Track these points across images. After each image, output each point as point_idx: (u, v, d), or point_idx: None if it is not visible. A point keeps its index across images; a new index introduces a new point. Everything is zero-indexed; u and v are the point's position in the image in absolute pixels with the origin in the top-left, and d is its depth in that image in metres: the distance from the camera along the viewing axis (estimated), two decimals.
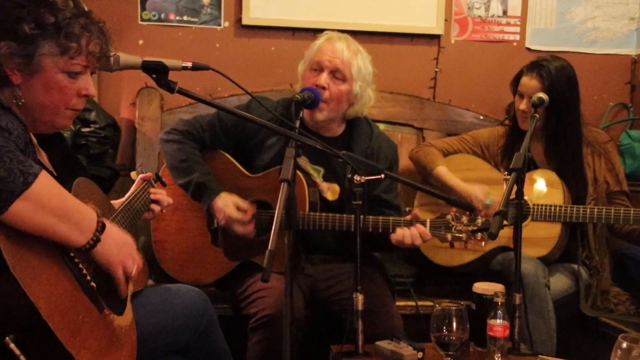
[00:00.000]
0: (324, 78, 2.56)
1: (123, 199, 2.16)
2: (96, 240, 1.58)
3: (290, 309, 1.73)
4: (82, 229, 1.55)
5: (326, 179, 2.67)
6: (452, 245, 2.48)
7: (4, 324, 1.33)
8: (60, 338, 1.38)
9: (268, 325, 2.29)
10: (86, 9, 1.74)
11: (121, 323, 1.71)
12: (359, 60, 2.62)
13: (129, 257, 1.73)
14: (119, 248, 1.68)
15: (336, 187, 2.67)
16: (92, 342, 1.51)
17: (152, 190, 2.28)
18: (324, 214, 2.52)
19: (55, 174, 1.75)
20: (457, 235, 2.37)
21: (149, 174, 2.32)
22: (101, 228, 1.60)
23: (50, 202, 1.46)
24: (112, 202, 2.09)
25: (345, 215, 2.50)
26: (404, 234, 2.41)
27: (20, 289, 1.33)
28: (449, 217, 2.38)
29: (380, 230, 2.46)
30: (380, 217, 2.47)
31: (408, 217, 2.46)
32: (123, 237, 1.73)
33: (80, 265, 1.59)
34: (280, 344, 1.69)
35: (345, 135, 2.73)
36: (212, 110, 2.80)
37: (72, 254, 1.57)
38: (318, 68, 2.58)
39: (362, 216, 2.14)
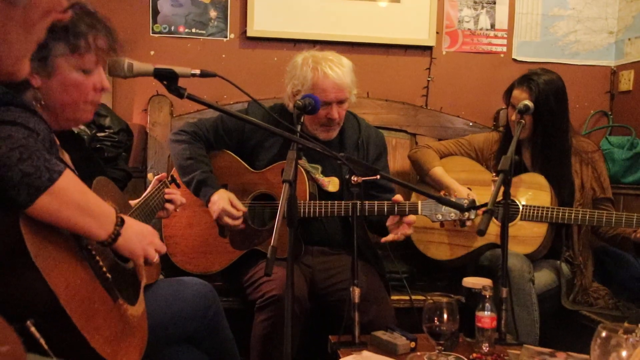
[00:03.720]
0: (336, 112, 2.61)
1: (140, 199, 2.17)
2: (117, 234, 1.59)
3: (291, 289, 1.73)
4: (102, 223, 1.56)
5: (325, 174, 2.73)
6: (442, 225, 2.57)
7: (25, 309, 1.33)
8: (77, 323, 1.39)
9: (274, 304, 2.32)
10: (91, 9, 1.75)
11: (134, 312, 1.72)
12: (350, 77, 2.64)
13: (151, 246, 1.74)
14: (140, 239, 1.69)
15: (336, 180, 2.73)
16: (106, 329, 1.52)
17: (166, 190, 2.30)
18: (322, 201, 2.57)
19: (77, 173, 1.76)
20: (446, 213, 2.47)
21: (163, 174, 2.35)
22: (120, 222, 1.61)
23: (73, 198, 1.47)
24: (130, 201, 2.10)
25: (343, 202, 2.55)
26: (397, 233, 2.48)
27: (41, 277, 1.34)
28: None
29: (376, 213, 2.52)
30: (376, 202, 2.52)
31: (391, 202, 2.51)
32: (143, 228, 1.74)
33: (97, 258, 1.60)
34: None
35: (338, 134, 2.76)
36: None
37: (89, 247, 1.59)
38: (326, 104, 2.58)
39: (359, 203, 2.18)
